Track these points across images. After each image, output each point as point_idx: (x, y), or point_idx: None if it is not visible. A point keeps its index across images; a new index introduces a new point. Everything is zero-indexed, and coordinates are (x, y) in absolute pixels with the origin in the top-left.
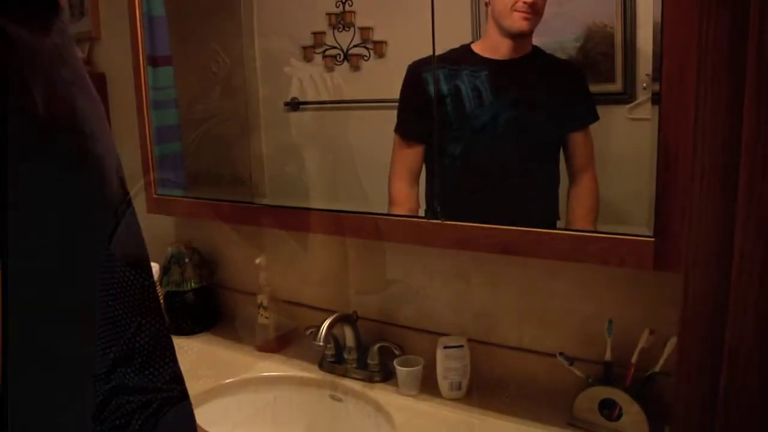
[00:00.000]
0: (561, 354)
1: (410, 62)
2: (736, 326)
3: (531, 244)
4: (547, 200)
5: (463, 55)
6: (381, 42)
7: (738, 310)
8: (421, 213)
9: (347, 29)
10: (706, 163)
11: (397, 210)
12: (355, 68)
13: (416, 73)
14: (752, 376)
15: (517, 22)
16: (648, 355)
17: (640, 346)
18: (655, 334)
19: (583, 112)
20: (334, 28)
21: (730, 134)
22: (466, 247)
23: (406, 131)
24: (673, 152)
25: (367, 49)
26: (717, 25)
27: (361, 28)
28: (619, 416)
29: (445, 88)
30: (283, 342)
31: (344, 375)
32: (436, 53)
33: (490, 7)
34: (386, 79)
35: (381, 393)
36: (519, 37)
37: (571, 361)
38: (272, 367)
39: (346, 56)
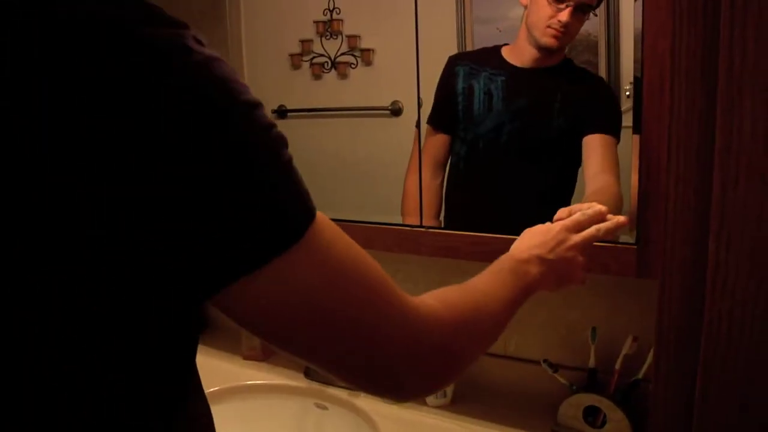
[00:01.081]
0: (545, 361)
1: (396, 70)
2: (711, 333)
3: None
4: (551, 212)
5: (488, 56)
6: (368, 50)
7: (713, 317)
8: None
9: (335, 37)
10: (680, 172)
11: (406, 202)
12: (343, 76)
13: (450, 64)
14: (727, 383)
15: (548, 38)
16: (632, 361)
17: (623, 352)
18: (639, 341)
19: (604, 124)
20: (321, 36)
21: (702, 143)
22: (450, 256)
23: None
24: (654, 160)
25: (355, 56)
26: (689, 37)
27: (349, 36)
28: (603, 423)
29: (460, 86)
30: (269, 350)
31: (330, 383)
32: (463, 50)
33: (525, 12)
34: (374, 86)
35: (366, 401)
36: (546, 50)
37: (556, 368)
38: (258, 375)
39: (334, 64)
